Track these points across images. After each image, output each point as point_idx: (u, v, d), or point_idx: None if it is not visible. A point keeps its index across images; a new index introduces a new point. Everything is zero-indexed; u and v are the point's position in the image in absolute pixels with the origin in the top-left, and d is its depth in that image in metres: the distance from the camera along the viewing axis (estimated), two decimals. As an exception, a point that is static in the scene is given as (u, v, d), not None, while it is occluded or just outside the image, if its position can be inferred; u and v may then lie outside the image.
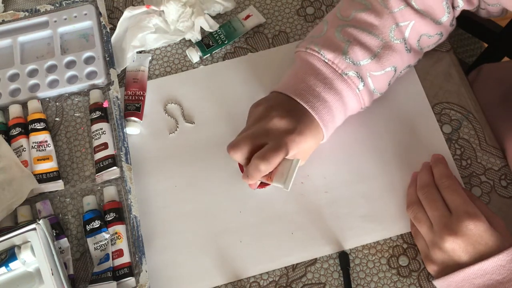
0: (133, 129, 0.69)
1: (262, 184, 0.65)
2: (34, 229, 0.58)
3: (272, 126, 0.59)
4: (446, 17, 0.63)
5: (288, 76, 0.64)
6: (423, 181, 0.61)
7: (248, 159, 0.58)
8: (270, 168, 0.57)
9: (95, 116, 0.69)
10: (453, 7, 0.64)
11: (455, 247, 0.54)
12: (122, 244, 0.63)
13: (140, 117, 0.70)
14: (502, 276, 0.52)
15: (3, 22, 0.76)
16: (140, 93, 0.71)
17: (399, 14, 0.61)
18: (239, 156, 0.59)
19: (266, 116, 0.59)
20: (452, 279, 0.54)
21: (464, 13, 0.98)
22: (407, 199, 0.62)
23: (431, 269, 0.58)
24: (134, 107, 0.70)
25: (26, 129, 0.69)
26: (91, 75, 0.72)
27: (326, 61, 0.61)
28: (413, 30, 0.62)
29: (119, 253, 0.63)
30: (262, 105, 0.61)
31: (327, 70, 0.61)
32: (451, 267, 0.55)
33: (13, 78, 0.73)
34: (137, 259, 0.62)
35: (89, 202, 0.66)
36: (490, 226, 0.55)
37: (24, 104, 0.71)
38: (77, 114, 0.72)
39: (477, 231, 0.54)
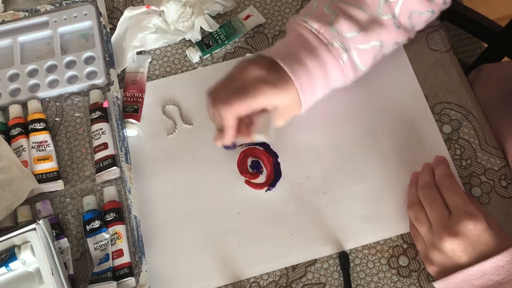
0: (131, 130, 0.69)
1: (260, 185, 0.65)
2: (34, 229, 0.58)
3: (246, 74, 0.59)
4: None
5: (275, 44, 0.64)
6: (424, 181, 0.61)
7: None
8: (231, 112, 0.58)
9: (95, 116, 0.69)
10: None
11: (454, 247, 0.54)
12: (122, 244, 0.63)
13: (138, 119, 0.70)
14: (501, 277, 0.52)
15: (3, 22, 0.76)
16: (138, 95, 0.71)
17: None
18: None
19: (244, 66, 0.60)
20: (451, 280, 0.54)
21: (464, 13, 0.98)
22: (408, 200, 0.62)
23: (431, 270, 0.58)
24: (132, 108, 0.70)
25: (26, 129, 0.69)
26: (91, 75, 0.72)
27: (313, 30, 0.61)
28: (403, 6, 0.62)
29: (119, 253, 0.63)
30: (244, 60, 0.62)
31: (312, 38, 0.61)
32: (451, 268, 0.55)
33: (13, 78, 0.73)
34: (137, 259, 0.62)
35: (89, 202, 0.66)
36: (489, 226, 0.54)
37: (24, 104, 0.71)
38: (77, 114, 0.72)
39: (476, 231, 0.54)
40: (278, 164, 0.66)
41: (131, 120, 0.69)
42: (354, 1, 0.62)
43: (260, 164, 0.67)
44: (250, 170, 0.67)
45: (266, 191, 0.65)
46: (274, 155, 0.66)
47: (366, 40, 0.61)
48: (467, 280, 0.53)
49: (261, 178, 0.66)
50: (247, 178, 0.66)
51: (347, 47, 0.60)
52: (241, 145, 0.67)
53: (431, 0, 0.63)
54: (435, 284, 0.57)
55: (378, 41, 0.62)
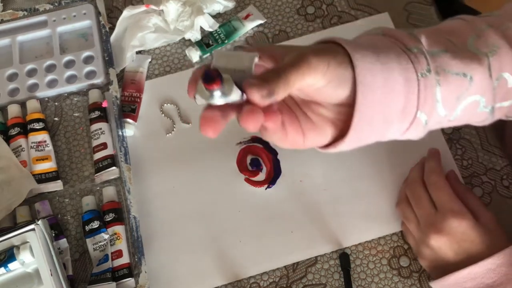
0: (127, 130, 0.69)
1: (260, 183, 0.65)
2: (33, 229, 0.58)
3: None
4: None
5: None
6: (411, 178, 0.61)
7: None
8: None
9: (94, 116, 0.69)
10: None
11: (440, 244, 0.54)
12: (121, 244, 0.63)
13: (134, 119, 0.70)
14: (492, 280, 0.52)
15: (2, 21, 0.75)
16: (136, 94, 0.71)
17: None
18: None
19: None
20: (443, 282, 0.54)
21: (465, 13, 0.97)
22: (398, 197, 0.63)
23: (423, 264, 0.58)
24: (129, 108, 0.70)
25: (25, 129, 0.69)
26: (90, 74, 0.72)
27: (387, 37, 0.45)
28: (495, 60, 0.44)
29: (118, 253, 0.63)
30: None
31: (385, 39, 0.44)
32: (441, 263, 0.56)
33: (12, 77, 0.72)
34: (136, 259, 0.62)
35: (88, 202, 0.66)
36: (476, 223, 0.54)
37: (23, 104, 0.71)
38: (76, 114, 0.72)
39: (461, 229, 0.54)
40: (278, 161, 0.66)
41: (127, 120, 0.69)
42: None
43: (259, 161, 0.66)
44: (249, 168, 0.66)
45: (266, 188, 0.65)
46: (274, 152, 0.66)
47: (456, 65, 0.43)
48: (458, 282, 0.53)
49: (261, 176, 0.66)
50: (246, 176, 0.65)
51: (430, 65, 0.42)
52: (240, 143, 0.67)
53: None
54: (432, 284, 0.57)
55: (469, 75, 0.43)
